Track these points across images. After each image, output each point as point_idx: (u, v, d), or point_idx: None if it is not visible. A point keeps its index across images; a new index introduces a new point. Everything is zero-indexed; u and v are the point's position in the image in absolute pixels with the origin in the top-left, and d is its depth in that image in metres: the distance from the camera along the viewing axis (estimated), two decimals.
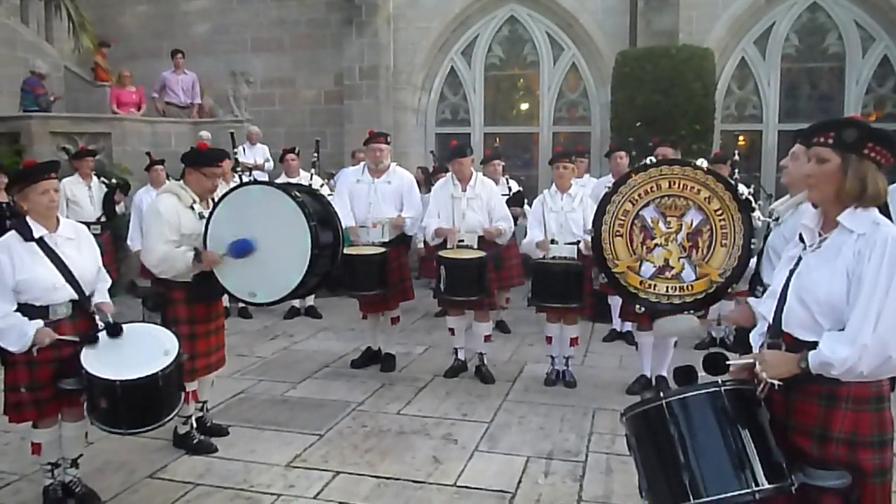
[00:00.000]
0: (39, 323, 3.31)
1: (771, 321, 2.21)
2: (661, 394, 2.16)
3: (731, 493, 2.00)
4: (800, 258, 2.19)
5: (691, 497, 2.00)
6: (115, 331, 3.43)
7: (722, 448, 2.05)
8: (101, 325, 3.46)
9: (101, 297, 3.63)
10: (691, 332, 3.82)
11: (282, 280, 3.95)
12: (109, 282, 3.77)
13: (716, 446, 2.06)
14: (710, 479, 2.02)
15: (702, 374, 2.23)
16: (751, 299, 3.09)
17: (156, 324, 3.68)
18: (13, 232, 3.38)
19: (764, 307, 2.29)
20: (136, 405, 3.27)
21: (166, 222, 3.98)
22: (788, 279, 2.18)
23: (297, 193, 4.02)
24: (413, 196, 6.04)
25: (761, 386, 2.12)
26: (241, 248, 3.94)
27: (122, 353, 3.33)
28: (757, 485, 1.99)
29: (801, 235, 2.23)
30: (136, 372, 3.24)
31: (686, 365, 2.27)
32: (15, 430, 3.91)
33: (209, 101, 11.33)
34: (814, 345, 2.05)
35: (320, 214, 4.12)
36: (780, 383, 2.08)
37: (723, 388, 2.10)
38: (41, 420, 3.49)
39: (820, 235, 2.17)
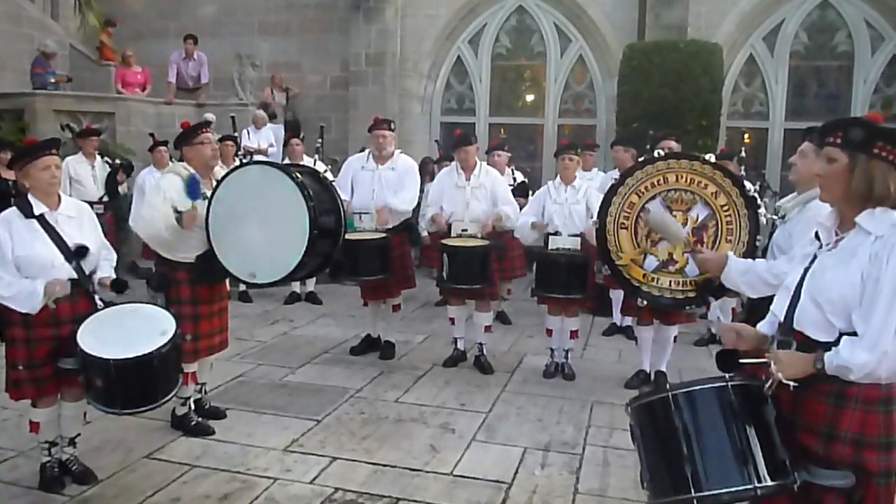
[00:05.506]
0: (43, 280, 3.26)
1: (783, 319, 2.19)
2: (668, 386, 2.14)
3: (733, 489, 1.99)
4: (815, 257, 2.17)
5: (692, 490, 1.99)
6: (119, 286, 3.39)
7: (726, 443, 2.04)
8: (100, 304, 3.45)
9: (105, 272, 3.62)
10: (675, 238, 3.79)
11: (281, 260, 3.94)
12: (115, 257, 3.75)
13: (720, 441, 2.05)
14: (713, 472, 2.01)
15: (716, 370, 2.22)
16: (731, 254, 3.20)
17: (158, 304, 3.66)
18: (14, 208, 3.36)
19: (776, 304, 2.27)
20: (130, 385, 3.24)
21: (162, 194, 4.01)
22: (802, 278, 2.16)
23: (298, 174, 3.99)
24: (408, 181, 5.92)
25: (769, 383, 2.11)
26: (193, 186, 4.07)
27: (120, 332, 3.31)
28: (759, 481, 1.98)
29: (816, 233, 2.21)
30: (132, 351, 3.22)
31: (731, 349, 2.24)
32: (13, 406, 3.90)
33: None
34: (825, 344, 2.03)
35: (321, 196, 4.09)
36: (796, 384, 2.05)
37: (730, 384, 2.09)
38: (41, 399, 3.48)
39: (837, 234, 2.14)
